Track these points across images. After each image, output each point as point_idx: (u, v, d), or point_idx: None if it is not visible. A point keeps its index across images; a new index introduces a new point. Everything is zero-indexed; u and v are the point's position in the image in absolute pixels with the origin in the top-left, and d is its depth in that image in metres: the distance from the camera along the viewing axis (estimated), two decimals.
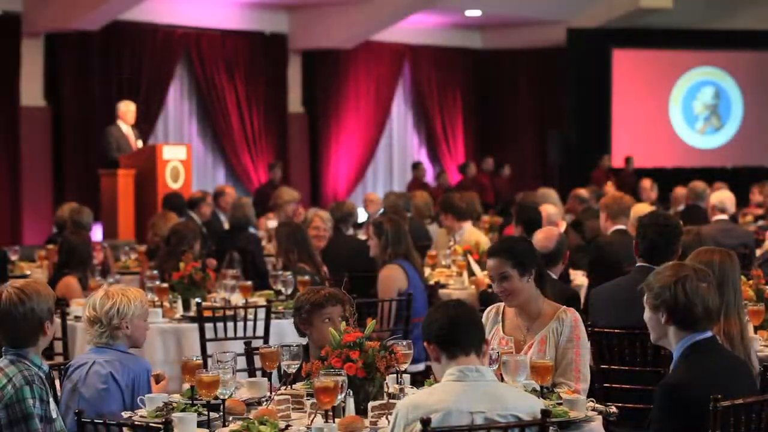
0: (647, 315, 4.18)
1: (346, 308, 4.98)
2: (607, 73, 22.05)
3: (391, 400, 4.41)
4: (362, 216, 14.44)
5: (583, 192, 13.46)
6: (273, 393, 4.72)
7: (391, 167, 21.68)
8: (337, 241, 9.58)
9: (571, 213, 12.60)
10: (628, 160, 21.51)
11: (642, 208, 8.66)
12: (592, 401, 4.66)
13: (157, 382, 4.93)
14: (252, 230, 11.11)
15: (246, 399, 4.69)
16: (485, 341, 4.01)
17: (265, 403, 4.67)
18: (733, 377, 4.08)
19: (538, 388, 4.57)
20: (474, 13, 20.72)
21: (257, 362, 5.22)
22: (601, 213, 8.87)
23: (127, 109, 14.02)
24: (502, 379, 4.47)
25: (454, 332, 3.94)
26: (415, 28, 20.97)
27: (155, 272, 7.92)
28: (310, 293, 5.25)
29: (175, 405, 4.49)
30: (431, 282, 8.73)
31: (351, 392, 4.43)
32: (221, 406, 4.44)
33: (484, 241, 9.65)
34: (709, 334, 4.12)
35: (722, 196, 10.10)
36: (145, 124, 16.08)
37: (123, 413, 4.52)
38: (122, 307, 4.74)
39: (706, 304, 4.08)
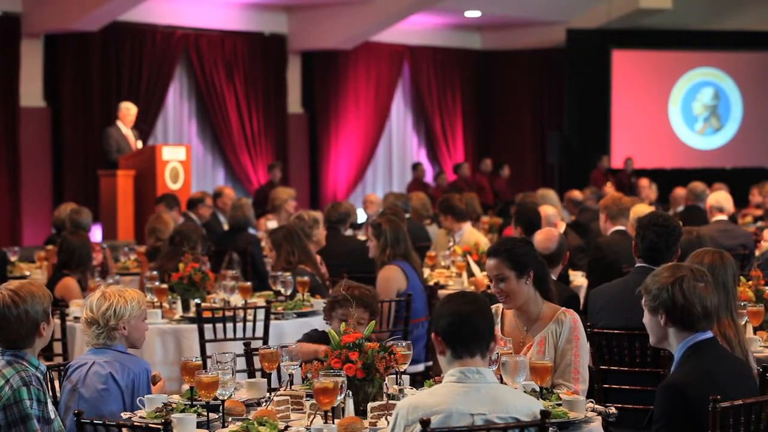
0: (646, 318, 4.17)
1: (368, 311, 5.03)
2: (606, 74, 22.05)
3: (391, 401, 4.41)
4: (362, 217, 14.44)
5: (577, 194, 13.46)
6: (272, 394, 4.72)
7: (390, 168, 21.67)
8: (335, 242, 9.57)
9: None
10: (626, 161, 21.51)
11: (641, 209, 8.65)
12: (592, 402, 4.65)
13: (154, 384, 4.92)
14: (251, 231, 11.11)
15: (245, 400, 4.69)
16: (494, 339, 3.95)
17: (264, 403, 4.67)
18: (734, 378, 4.08)
19: (538, 389, 4.57)
20: (474, 13, 20.72)
21: (257, 363, 5.22)
22: (600, 214, 8.87)
23: (128, 112, 14.02)
24: (502, 380, 4.46)
25: (463, 332, 3.87)
26: (415, 29, 20.97)
27: (155, 273, 7.92)
28: (338, 287, 5.26)
29: (174, 406, 4.49)
30: (431, 283, 8.73)
31: (350, 393, 4.43)
32: (220, 407, 4.44)
33: (484, 241, 9.65)
34: (709, 334, 4.12)
35: (720, 197, 10.10)
36: (144, 125, 16.06)
37: (122, 414, 4.52)
38: (119, 308, 4.73)
39: (704, 304, 4.08)
